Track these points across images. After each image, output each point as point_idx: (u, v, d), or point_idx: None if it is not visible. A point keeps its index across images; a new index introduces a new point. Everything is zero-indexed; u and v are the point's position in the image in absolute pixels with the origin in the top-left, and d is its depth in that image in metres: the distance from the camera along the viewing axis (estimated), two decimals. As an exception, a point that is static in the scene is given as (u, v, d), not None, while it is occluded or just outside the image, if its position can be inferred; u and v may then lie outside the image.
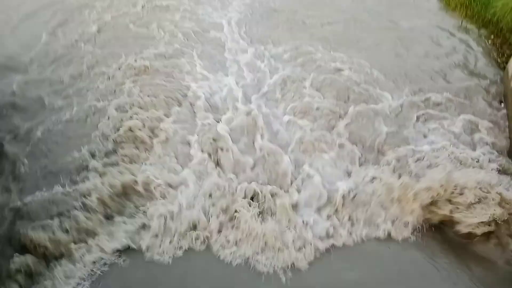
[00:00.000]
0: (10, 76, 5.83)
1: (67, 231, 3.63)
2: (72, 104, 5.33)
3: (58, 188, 4.04)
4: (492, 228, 3.62)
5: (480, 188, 3.74)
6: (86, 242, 3.61)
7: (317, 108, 5.14)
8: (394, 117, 5.09)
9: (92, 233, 3.68)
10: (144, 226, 3.77)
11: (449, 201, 3.77)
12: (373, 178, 4.15)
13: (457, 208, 3.73)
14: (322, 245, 3.63)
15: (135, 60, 6.13)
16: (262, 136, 4.73)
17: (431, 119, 5.01)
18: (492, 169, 4.11)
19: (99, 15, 7.65)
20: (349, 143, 4.66)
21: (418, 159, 4.32)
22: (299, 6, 8.02)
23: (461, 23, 7.17)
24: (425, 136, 4.74)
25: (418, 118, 5.04)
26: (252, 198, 3.98)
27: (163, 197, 4.01)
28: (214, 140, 4.59)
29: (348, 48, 6.51)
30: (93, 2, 8.15)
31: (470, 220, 3.64)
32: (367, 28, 7.19)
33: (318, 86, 5.60)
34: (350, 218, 3.87)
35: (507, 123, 4.95)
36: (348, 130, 4.82)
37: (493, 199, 3.67)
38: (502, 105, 5.27)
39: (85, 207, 3.81)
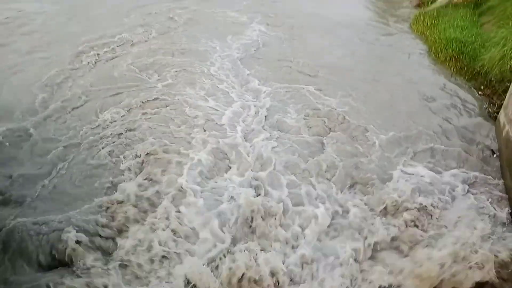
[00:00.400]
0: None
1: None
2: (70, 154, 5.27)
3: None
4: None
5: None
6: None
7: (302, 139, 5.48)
8: (379, 156, 5.22)
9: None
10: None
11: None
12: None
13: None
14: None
15: (137, 102, 6.31)
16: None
17: (418, 163, 5.06)
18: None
19: (92, 65, 7.69)
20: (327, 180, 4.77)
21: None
22: (296, 53, 8.29)
23: (451, 75, 7.29)
24: (407, 180, 4.74)
25: (403, 161, 5.13)
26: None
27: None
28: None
29: (341, 93, 6.68)
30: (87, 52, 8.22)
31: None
32: (360, 78, 7.36)
33: (305, 118, 5.98)
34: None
35: (498, 173, 4.89)
36: (332, 165, 4.98)
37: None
38: (495, 155, 5.23)
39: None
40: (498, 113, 5.77)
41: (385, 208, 4.31)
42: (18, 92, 6.60)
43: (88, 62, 7.66)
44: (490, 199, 4.36)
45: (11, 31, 9.08)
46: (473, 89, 6.84)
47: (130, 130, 5.64)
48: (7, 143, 5.36)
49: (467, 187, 4.58)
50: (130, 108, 6.17)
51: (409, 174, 4.85)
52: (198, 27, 9.56)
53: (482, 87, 6.74)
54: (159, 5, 10.73)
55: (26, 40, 8.59)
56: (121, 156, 5.11)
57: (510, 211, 4.24)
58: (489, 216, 4.10)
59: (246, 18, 10.04)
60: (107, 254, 3.83)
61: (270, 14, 10.26)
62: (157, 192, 4.49)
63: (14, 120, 5.85)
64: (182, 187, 4.53)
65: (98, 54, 7.99)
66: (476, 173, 4.83)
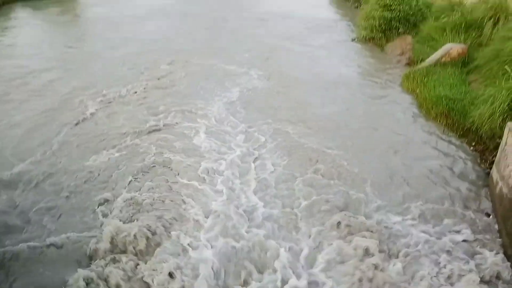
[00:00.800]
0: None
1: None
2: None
3: None
4: None
5: None
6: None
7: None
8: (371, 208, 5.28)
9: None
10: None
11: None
12: None
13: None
14: None
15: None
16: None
17: (412, 223, 4.97)
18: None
19: (87, 115, 7.82)
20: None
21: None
22: (291, 104, 8.58)
23: (443, 131, 7.31)
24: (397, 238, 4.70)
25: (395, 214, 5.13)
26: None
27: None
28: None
29: (334, 144, 6.86)
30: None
31: None
32: (353, 130, 7.48)
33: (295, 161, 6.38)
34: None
35: (493, 234, 4.79)
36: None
37: None
38: (490, 216, 5.11)
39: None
40: (490, 169, 5.71)
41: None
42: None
43: (83, 113, 7.81)
44: (487, 257, 4.24)
45: (8, 85, 9.29)
46: (465, 145, 6.84)
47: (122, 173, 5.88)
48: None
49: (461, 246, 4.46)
50: (127, 152, 6.45)
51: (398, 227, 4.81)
52: (197, 76, 9.98)
53: (474, 143, 6.76)
54: (158, 58, 11.16)
55: (21, 93, 8.82)
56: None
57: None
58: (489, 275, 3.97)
59: (244, 71, 10.47)
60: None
61: (267, 70, 10.63)
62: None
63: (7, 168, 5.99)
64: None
65: (97, 102, 8.23)
66: (469, 233, 4.76)
